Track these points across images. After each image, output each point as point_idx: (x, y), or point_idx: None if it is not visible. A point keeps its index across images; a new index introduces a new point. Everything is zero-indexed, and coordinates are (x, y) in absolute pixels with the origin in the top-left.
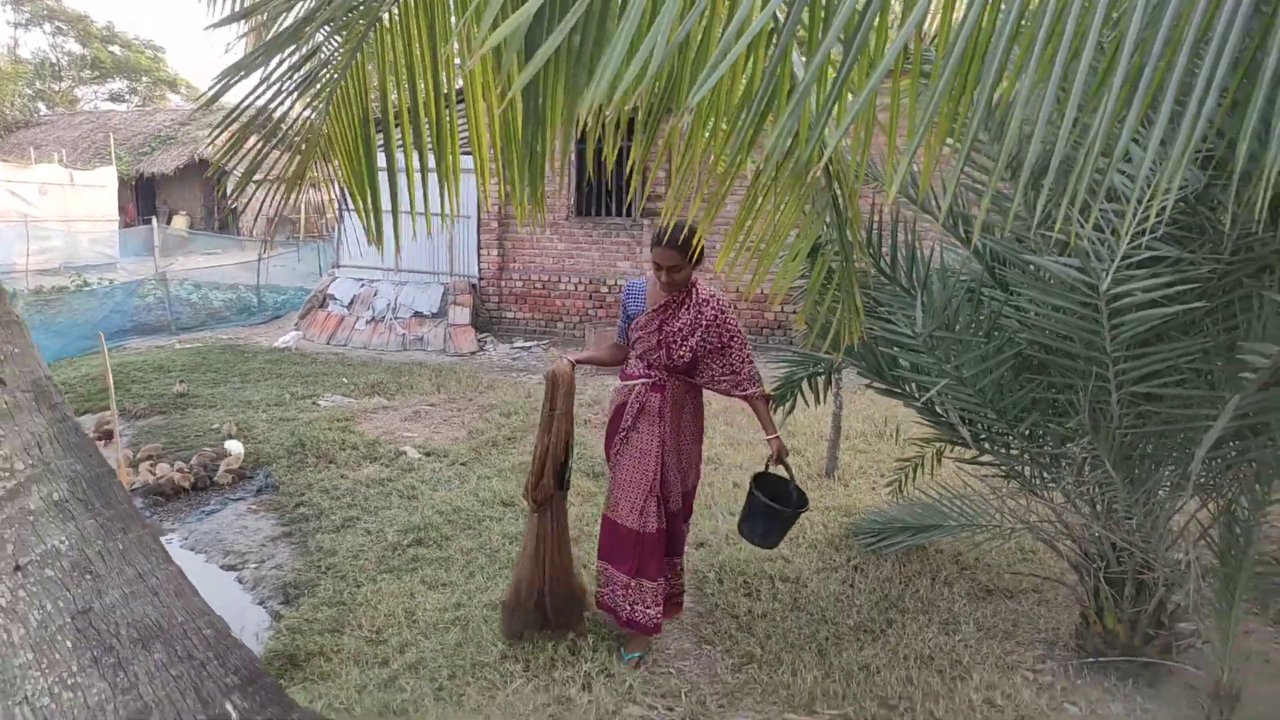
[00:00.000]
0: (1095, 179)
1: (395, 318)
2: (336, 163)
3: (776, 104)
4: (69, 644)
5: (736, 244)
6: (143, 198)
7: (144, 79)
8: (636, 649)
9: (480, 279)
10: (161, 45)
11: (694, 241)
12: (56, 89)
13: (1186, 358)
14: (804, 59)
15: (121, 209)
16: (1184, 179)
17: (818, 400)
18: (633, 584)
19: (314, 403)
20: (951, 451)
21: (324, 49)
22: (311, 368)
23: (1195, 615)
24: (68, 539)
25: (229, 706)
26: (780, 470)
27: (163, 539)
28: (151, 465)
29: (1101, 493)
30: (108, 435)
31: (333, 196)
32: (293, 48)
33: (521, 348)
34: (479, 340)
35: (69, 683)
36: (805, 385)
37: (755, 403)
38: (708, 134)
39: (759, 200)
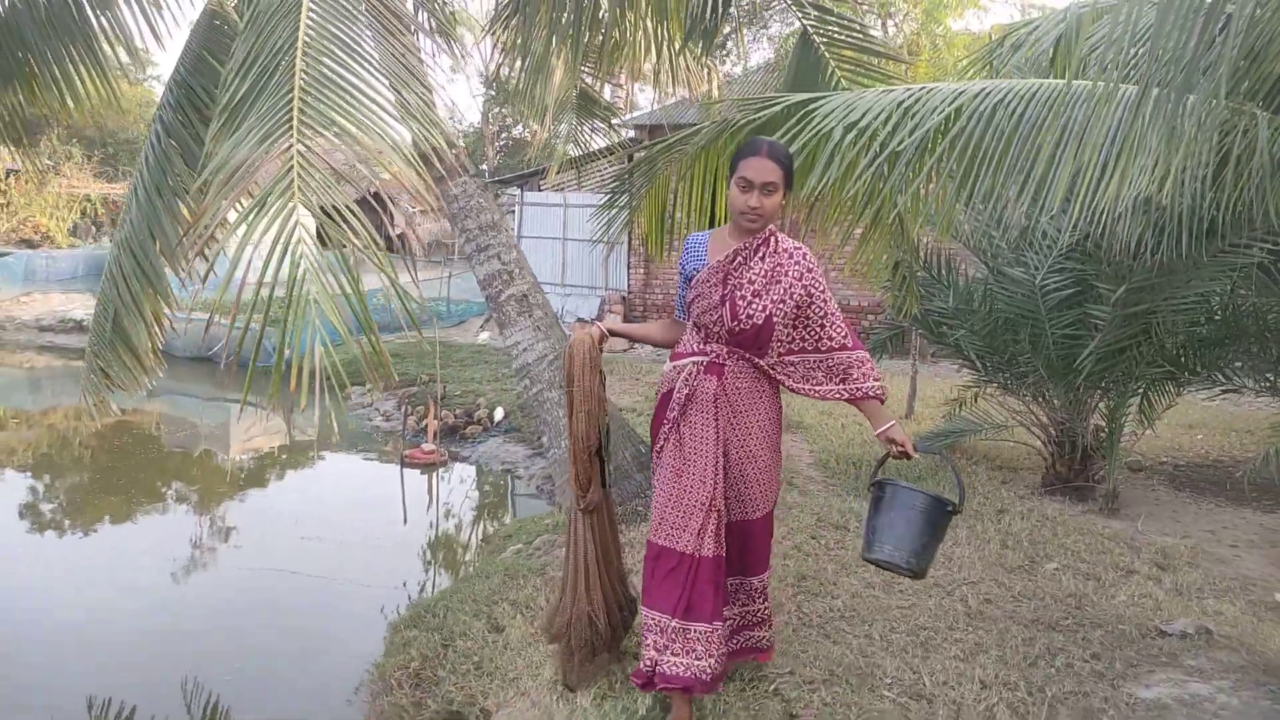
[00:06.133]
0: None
1: (562, 321)
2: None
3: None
4: None
5: (855, 263)
6: None
7: None
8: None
9: (629, 292)
10: None
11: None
12: None
13: (1080, 316)
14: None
15: None
16: (1078, 228)
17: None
18: (674, 626)
19: (519, 381)
20: (984, 392)
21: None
22: (505, 357)
23: (1098, 456)
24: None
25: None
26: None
27: (459, 459)
28: (443, 413)
29: (1041, 390)
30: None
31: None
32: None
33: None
34: (629, 342)
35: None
36: (888, 342)
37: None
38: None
39: (869, 235)
